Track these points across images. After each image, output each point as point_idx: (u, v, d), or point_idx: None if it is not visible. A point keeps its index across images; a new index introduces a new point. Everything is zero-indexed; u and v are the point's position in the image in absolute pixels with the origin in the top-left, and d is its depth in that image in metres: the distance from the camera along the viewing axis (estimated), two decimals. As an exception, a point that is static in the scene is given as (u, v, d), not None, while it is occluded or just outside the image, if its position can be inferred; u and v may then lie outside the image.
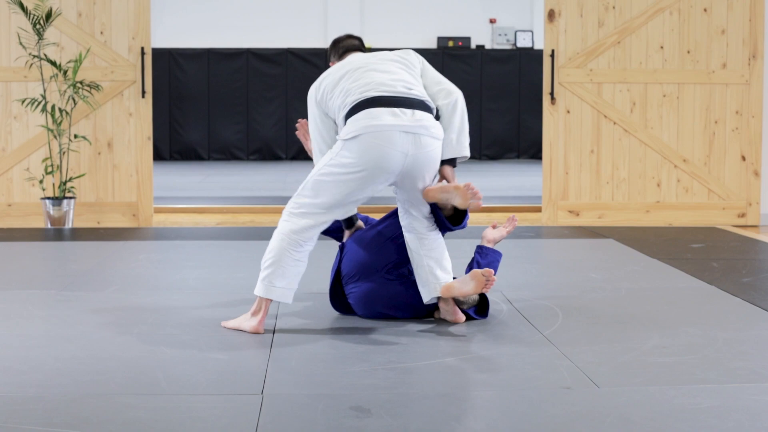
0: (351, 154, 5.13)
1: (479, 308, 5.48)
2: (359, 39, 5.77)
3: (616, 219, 10.04)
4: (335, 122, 5.40)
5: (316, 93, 5.43)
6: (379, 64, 5.37)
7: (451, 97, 5.37)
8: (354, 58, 5.46)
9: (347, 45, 5.70)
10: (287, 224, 5.20)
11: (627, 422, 3.75)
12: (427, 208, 5.38)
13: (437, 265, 5.33)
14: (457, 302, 5.36)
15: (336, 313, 5.58)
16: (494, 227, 5.80)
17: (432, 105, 5.32)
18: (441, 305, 5.39)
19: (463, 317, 5.40)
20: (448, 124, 5.35)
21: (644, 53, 10.03)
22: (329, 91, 5.35)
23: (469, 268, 5.63)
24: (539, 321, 5.44)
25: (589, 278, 6.79)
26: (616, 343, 4.94)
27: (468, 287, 5.20)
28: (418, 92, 5.28)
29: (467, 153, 5.41)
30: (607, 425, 3.72)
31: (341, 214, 5.32)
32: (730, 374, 4.43)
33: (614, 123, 10.04)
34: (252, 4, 20.81)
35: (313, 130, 5.45)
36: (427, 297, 5.33)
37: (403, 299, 5.42)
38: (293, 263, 5.18)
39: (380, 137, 5.10)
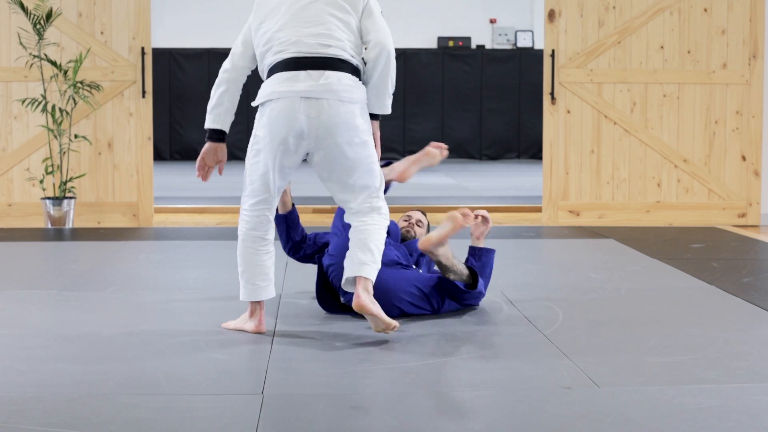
0: (260, 124, 5.08)
1: (470, 284, 5.46)
2: None
3: (616, 219, 10.04)
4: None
5: (256, 10, 5.29)
6: (310, 10, 5.08)
7: (374, 51, 5.06)
8: None
9: None
10: (243, 224, 5.14)
11: (627, 422, 3.75)
12: (356, 183, 5.09)
13: (360, 248, 5.06)
14: (444, 271, 5.33)
15: (336, 313, 5.57)
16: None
17: (355, 61, 5.07)
18: (368, 315, 5.00)
19: (394, 325, 5.03)
20: (369, 80, 5.12)
21: (644, 53, 10.03)
22: (257, 24, 5.21)
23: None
24: (539, 321, 5.43)
25: (590, 278, 6.79)
26: (617, 343, 4.94)
27: (445, 228, 5.19)
28: (336, 49, 5.02)
29: (387, 111, 5.19)
30: (607, 425, 3.72)
31: (280, 191, 5.16)
32: (731, 374, 4.43)
33: (614, 123, 10.04)
34: (252, 4, 20.81)
35: (241, 34, 5.31)
36: (345, 277, 5.13)
37: (396, 294, 5.41)
38: (266, 257, 5.14)
39: (282, 103, 4.99)
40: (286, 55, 5.04)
